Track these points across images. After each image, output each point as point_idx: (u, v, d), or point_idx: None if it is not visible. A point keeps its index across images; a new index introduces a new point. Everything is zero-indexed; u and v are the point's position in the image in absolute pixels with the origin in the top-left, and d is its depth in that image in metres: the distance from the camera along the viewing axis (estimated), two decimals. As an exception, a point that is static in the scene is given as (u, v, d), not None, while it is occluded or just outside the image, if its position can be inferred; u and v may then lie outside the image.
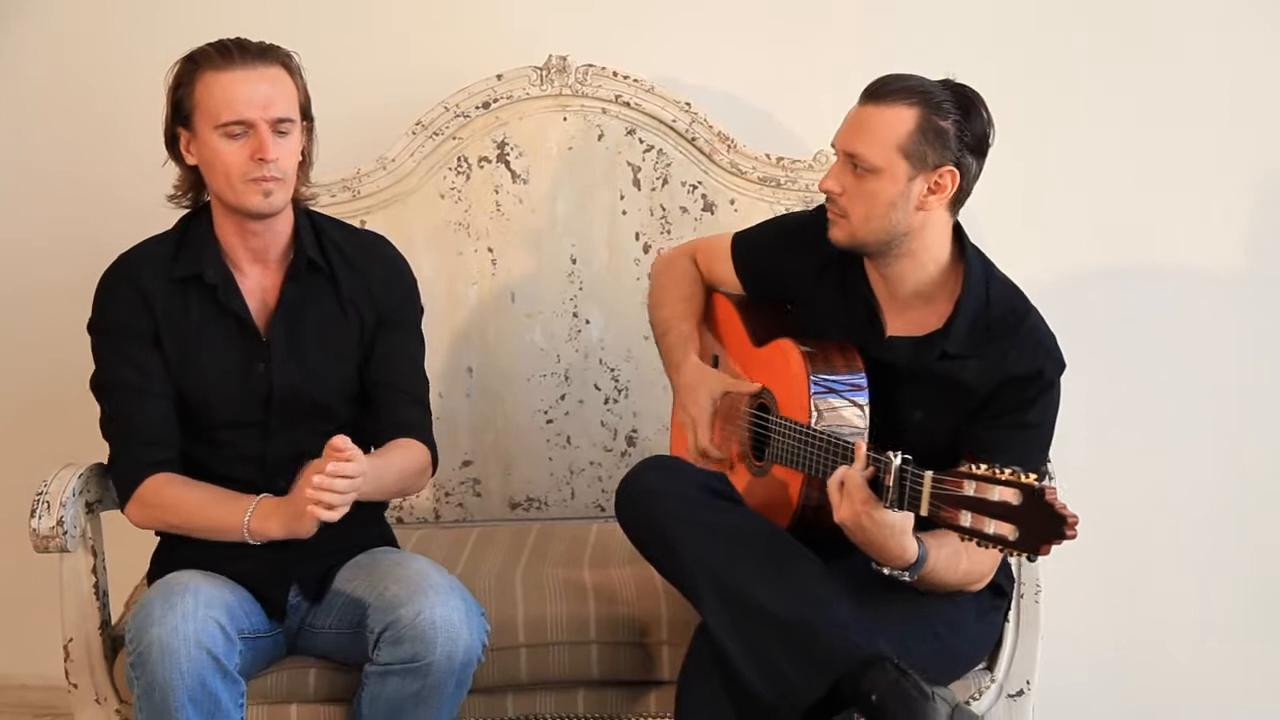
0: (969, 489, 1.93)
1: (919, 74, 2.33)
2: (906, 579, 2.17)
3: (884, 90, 2.29)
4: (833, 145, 2.36)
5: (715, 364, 2.68)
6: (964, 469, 1.96)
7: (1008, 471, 1.90)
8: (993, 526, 1.90)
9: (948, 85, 2.32)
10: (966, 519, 1.93)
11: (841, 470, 2.13)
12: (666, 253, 2.84)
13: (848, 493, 2.10)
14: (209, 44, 2.33)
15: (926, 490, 2.00)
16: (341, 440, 2.12)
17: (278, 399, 2.39)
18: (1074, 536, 1.84)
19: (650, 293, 2.75)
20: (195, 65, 2.31)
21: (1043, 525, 1.85)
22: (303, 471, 2.18)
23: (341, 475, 2.11)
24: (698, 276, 2.71)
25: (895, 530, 2.10)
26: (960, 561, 2.24)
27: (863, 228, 2.33)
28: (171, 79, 2.34)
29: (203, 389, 2.38)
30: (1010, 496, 1.88)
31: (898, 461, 2.05)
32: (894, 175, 2.29)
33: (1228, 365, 3.17)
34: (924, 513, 2.00)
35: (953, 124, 2.28)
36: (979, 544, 1.94)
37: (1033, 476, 1.88)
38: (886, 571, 2.17)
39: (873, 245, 2.36)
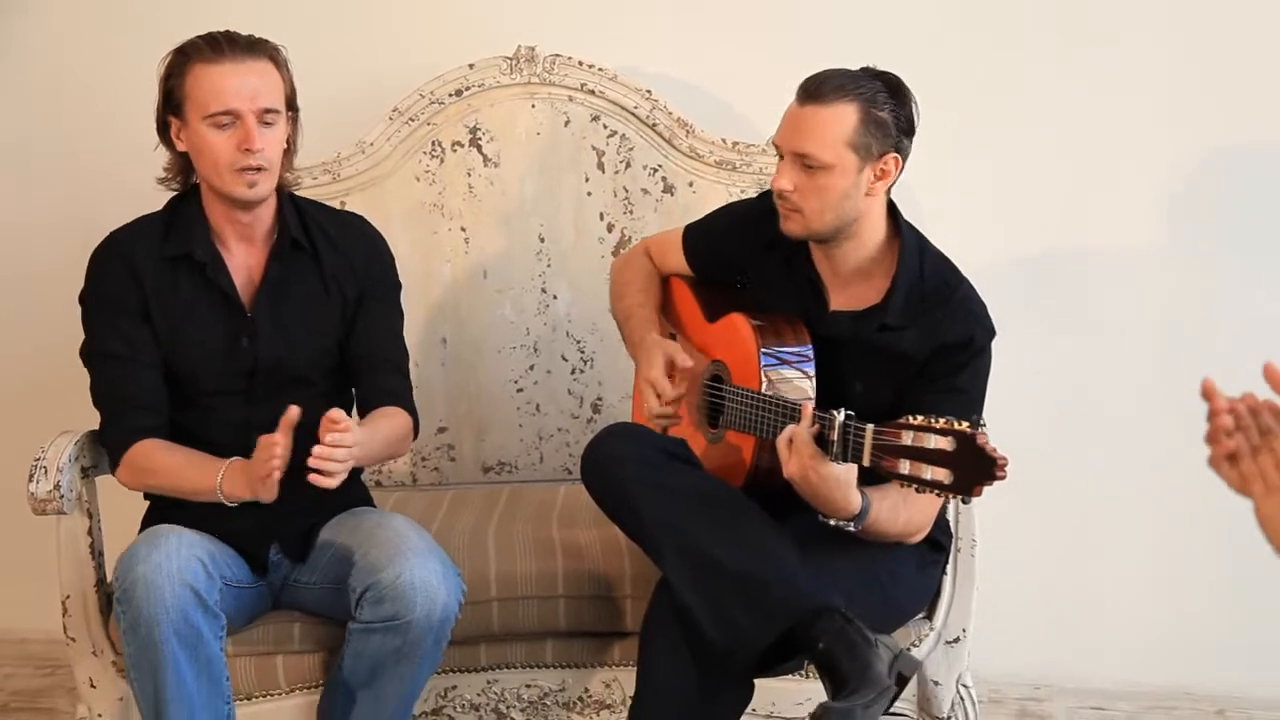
0: (907, 439, 1.96)
1: (844, 67, 2.33)
2: (851, 529, 2.19)
3: (822, 89, 2.28)
4: (775, 145, 2.36)
5: (674, 340, 2.69)
6: (902, 420, 1.98)
7: (942, 421, 1.93)
8: (929, 472, 1.93)
9: (875, 75, 2.33)
10: (905, 467, 1.96)
11: (790, 428, 2.14)
12: (622, 254, 2.83)
13: (796, 449, 2.12)
14: (199, 37, 2.32)
15: (868, 442, 2.01)
16: (338, 413, 2.12)
17: (261, 370, 2.39)
18: (1004, 477, 1.87)
19: (611, 289, 2.76)
20: (186, 57, 2.30)
21: (975, 468, 1.88)
22: (260, 441, 2.16)
23: (340, 445, 2.11)
24: (653, 269, 2.72)
25: (840, 483, 2.12)
26: (900, 513, 2.26)
27: (817, 220, 2.34)
28: (163, 69, 2.33)
29: (190, 360, 2.38)
30: (945, 444, 1.91)
31: (841, 417, 2.06)
32: (844, 169, 2.29)
33: (1149, 336, 3.19)
34: (866, 463, 2.02)
35: (889, 113, 2.30)
36: (918, 489, 1.97)
37: (965, 424, 1.91)
38: (833, 523, 2.18)
39: (826, 234, 2.37)
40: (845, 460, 2.07)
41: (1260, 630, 3.09)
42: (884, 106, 2.29)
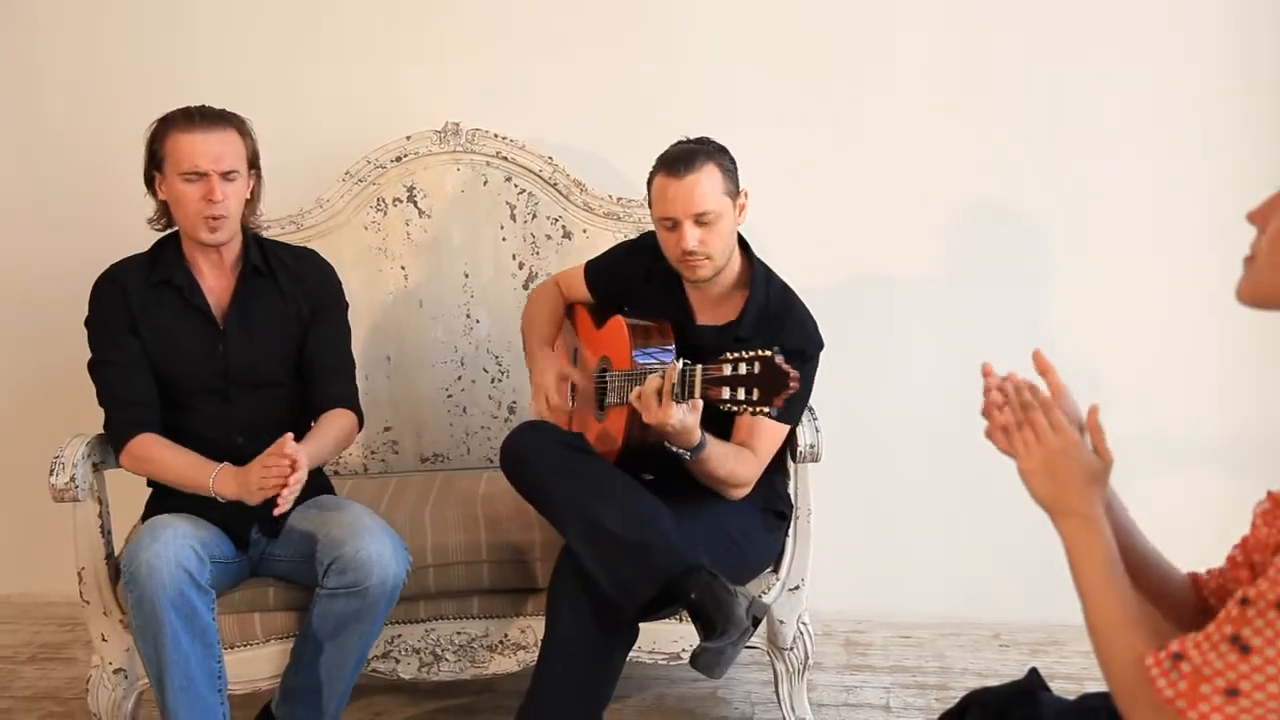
0: (726, 369, 2.00)
1: (678, 143, 2.38)
2: (687, 458, 2.22)
3: (690, 162, 2.31)
4: (666, 218, 2.35)
5: (575, 356, 2.70)
6: (723, 357, 2.02)
7: (750, 351, 1.98)
8: (741, 392, 1.97)
9: (702, 140, 2.38)
10: (726, 393, 1.99)
11: (638, 388, 2.17)
12: (538, 283, 2.83)
13: (645, 399, 2.13)
14: (178, 110, 2.33)
15: (699, 378, 2.04)
16: (290, 447, 2.16)
17: (233, 372, 2.39)
18: (796, 387, 1.94)
19: (525, 308, 2.76)
20: (166, 125, 2.32)
21: (774, 383, 1.94)
22: (257, 459, 2.21)
23: (294, 480, 2.15)
24: (559, 296, 2.72)
25: (682, 419, 2.12)
26: (729, 463, 2.29)
27: (722, 258, 2.38)
28: (149, 134, 2.34)
29: (174, 366, 2.37)
30: (752, 368, 1.96)
31: (679, 365, 2.09)
32: (727, 212, 2.34)
33: (936, 340, 3.20)
34: (698, 394, 2.04)
35: (728, 161, 2.36)
36: (738, 410, 2.00)
37: (768, 351, 1.96)
38: (675, 449, 2.20)
39: (724, 266, 2.40)
40: (685, 399, 2.08)
41: (1025, 570, 3.07)
42: (724, 158, 2.35)
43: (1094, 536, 1.26)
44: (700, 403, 2.09)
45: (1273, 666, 1.05)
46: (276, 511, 2.17)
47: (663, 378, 2.12)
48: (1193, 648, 1.12)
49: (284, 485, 2.15)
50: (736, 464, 2.32)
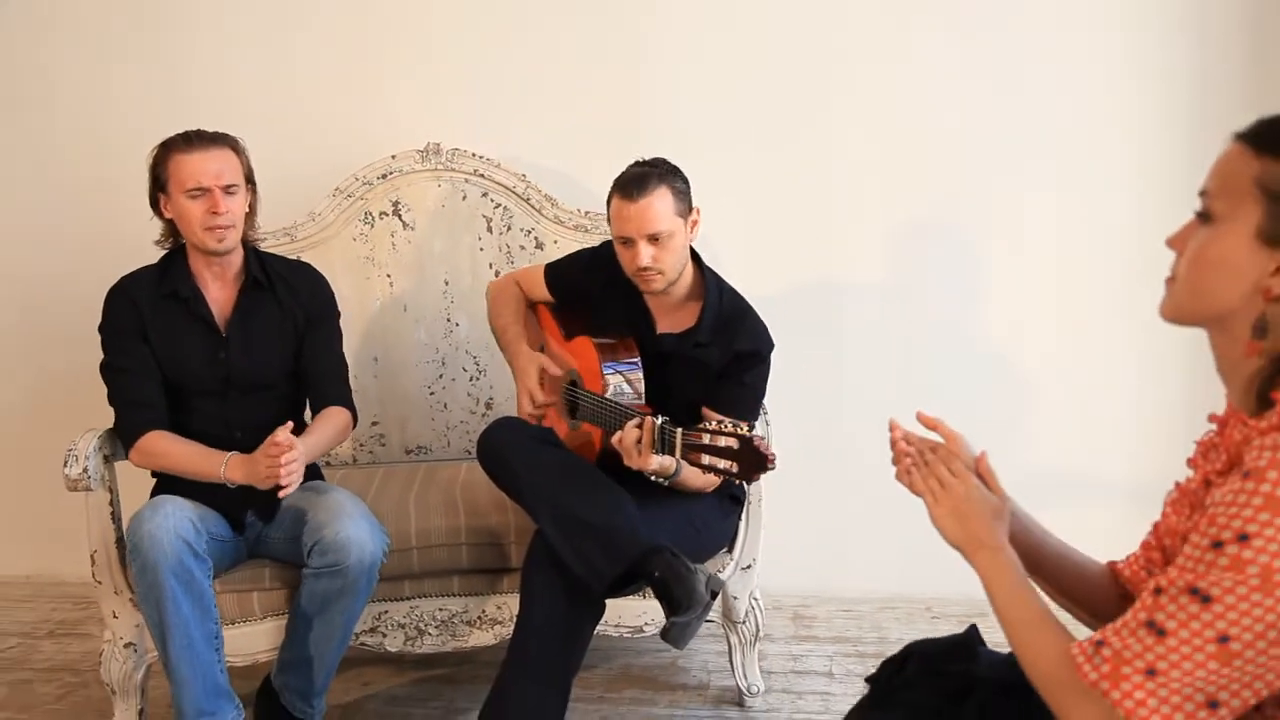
0: (705, 439, 1.96)
1: (634, 166, 2.38)
2: (665, 484, 2.21)
3: (643, 186, 2.31)
4: (622, 237, 2.36)
5: (543, 349, 2.67)
6: (702, 425, 1.98)
7: (730, 425, 1.94)
8: (722, 464, 1.94)
9: (655, 163, 2.37)
10: (705, 459, 1.96)
11: (618, 435, 2.14)
12: (496, 280, 2.78)
13: (625, 447, 2.12)
14: (177, 135, 2.34)
15: (678, 441, 2.01)
16: (286, 437, 2.17)
17: (234, 377, 2.39)
18: (774, 468, 1.90)
19: (489, 308, 2.72)
20: (167, 150, 2.32)
21: (752, 461, 1.90)
22: (260, 448, 2.21)
23: (292, 462, 2.16)
24: (521, 295, 2.70)
25: (662, 464, 2.13)
26: (701, 476, 2.25)
27: (673, 272, 2.37)
28: (151, 160, 2.34)
29: (180, 370, 2.36)
30: (731, 443, 1.92)
31: (658, 422, 2.05)
32: (678, 230, 2.34)
33: (876, 343, 3.23)
34: (678, 456, 2.02)
35: (680, 182, 2.35)
36: (715, 475, 1.98)
37: (746, 428, 1.92)
38: (654, 479, 2.19)
39: (676, 280, 2.40)
40: (664, 453, 2.07)
41: (951, 553, 3.10)
42: (676, 180, 2.35)
43: (1003, 564, 1.30)
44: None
45: (1187, 646, 1.07)
46: (282, 495, 2.19)
47: (640, 428, 2.09)
48: (1112, 635, 1.13)
49: (284, 471, 2.16)
50: (706, 474, 2.32)
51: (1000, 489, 1.39)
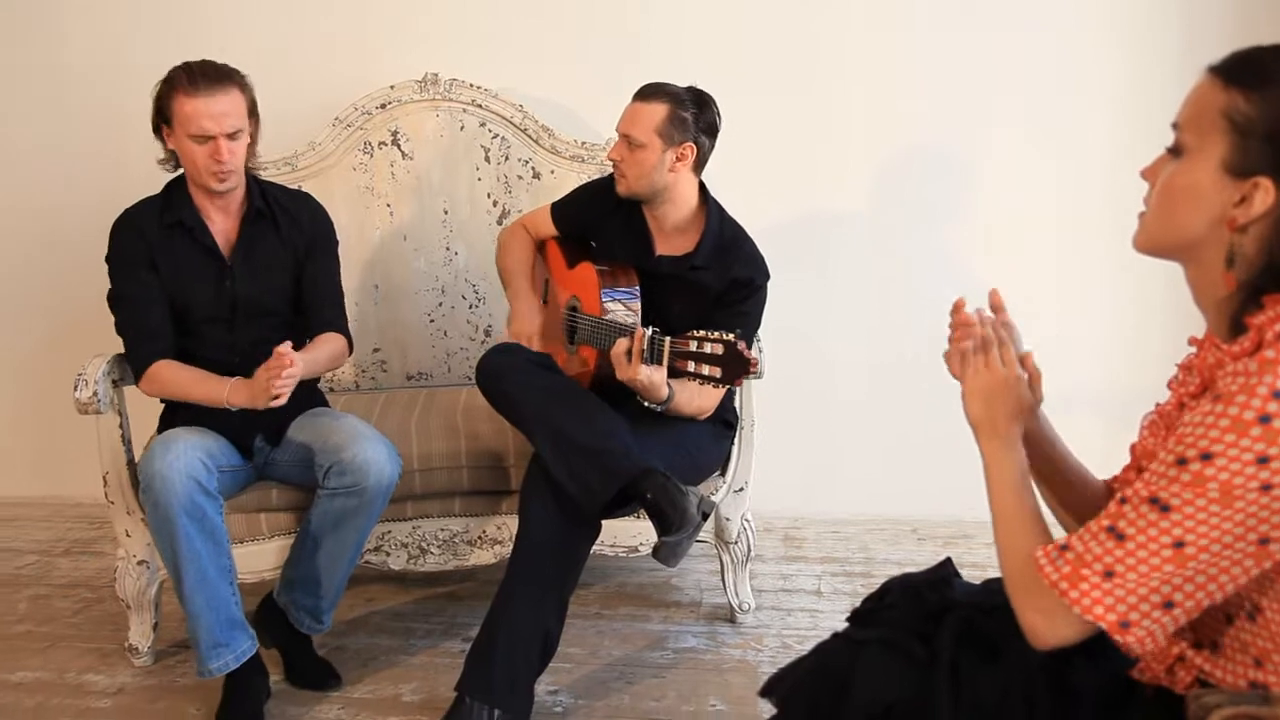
0: (692, 346, 2.02)
1: (673, 82, 2.39)
2: (659, 409, 2.25)
3: (647, 92, 2.36)
4: (617, 129, 2.41)
5: (547, 286, 2.68)
6: (688, 333, 2.04)
7: (716, 333, 1.99)
8: (706, 369, 2.00)
9: (691, 90, 2.37)
10: (691, 366, 2.02)
11: (614, 345, 2.19)
12: (506, 226, 2.77)
13: (616, 357, 2.17)
14: (180, 68, 2.26)
15: (666, 350, 2.07)
16: (284, 348, 2.15)
17: (239, 303, 2.38)
18: (755, 373, 1.95)
19: (497, 249, 2.72)
20: (171, 86, 2.26)
21: (736, 366, 1.96)
22: (260, 368, 2.20)
23: (289, 375, 2.15)
24: (528, 239, 2.70)
25: (651, 379, 2.16)
26: (694, 401, 2.32)
27: (635, 183, 2.39)
28: (155, 91, 2.28)
29: (187, 298, 2.35)
30: (717, 349, 1.98)
31: (648, 333, 2.11)
32: (653, 149, 2.34)
33: (868, 272, 3.23)
34: (665, 364, 2.06)
35: (691, 115, 2.34)
36: (700, 383, 2.02)
37: (731, 335, 1.97)
38: (647, 404, 2.23)
39: (643, 194, 2.41)
40: (653, 364, 2.12)
41: (939, 474, 3.16)
42: (688, 110, 2.34)
43: (1009, 458, 1.31)
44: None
45: (1144, 550, 1.10)
46: (276, 403, 2.18)
47: (631, 339, 2.13)
48: (1076, 540, 1.16)
49: (279, 383, 2.16)
50: (701, 400, 2.34)
51: (1040, 391, 1.38)
